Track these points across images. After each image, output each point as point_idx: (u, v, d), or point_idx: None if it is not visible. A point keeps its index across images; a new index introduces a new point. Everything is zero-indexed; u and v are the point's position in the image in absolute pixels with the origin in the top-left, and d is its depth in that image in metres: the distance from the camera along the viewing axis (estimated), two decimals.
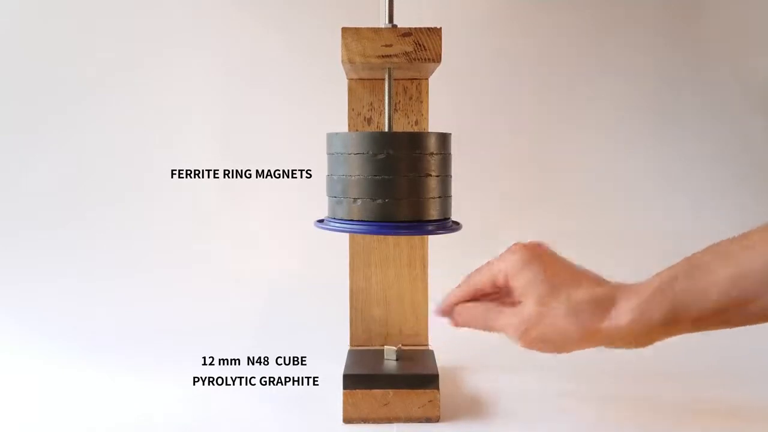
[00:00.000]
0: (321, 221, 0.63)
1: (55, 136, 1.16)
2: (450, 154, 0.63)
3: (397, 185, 0.59)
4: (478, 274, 0.59)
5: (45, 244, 1.14)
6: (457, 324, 0.61)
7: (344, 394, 0.66)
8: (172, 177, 1.15)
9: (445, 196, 0.62)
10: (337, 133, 0.61)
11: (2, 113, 1.16)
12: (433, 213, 0.60)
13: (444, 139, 0.62)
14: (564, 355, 0.89)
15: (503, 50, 1.12)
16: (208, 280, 1.10)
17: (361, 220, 0.59)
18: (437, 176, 0.60)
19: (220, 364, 0.85)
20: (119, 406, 0.72)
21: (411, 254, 0.78)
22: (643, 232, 1.14)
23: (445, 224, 0.62)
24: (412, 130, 0.75)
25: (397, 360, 0.71)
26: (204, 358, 0.87)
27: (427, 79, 0.75)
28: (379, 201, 0.59)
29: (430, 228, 0.60)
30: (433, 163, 0.60)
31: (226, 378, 0.79)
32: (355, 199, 0.59)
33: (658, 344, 0.96)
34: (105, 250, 1.14)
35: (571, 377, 0.80)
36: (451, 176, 0.64)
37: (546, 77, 1.16)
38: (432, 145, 0.60)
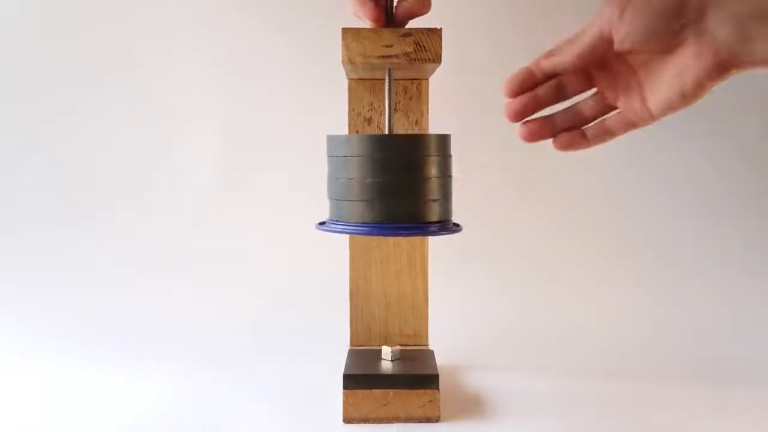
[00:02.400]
0: (322, 223, 0.63)
1: (55, 136, 1.16)
2: (450, 155, 0.63)
3: (398, 187, 0.59)
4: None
5: (45, 244, 1.14)
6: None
7: (344, 394, 0.66)
8: (172, 177, 1.15)
9: (445, 198, 0.62)
10: (337, 136, 0.61)
11: (2, 113, 1.16)
12: (434, 215, 0.60)
13: (444, 140, 0.62)
14: (564, 356, 0.89)
15: (503, 50, 1.11)
16: (207, 279, 1.10)
17: (362, 222, 0.59)
18: (438, 178, 0.61)
19: (219, 364, 0.85)
20: (119, 406, 0.72)
21: (411, 254, 0.78)
22: (643, 233, 1.14)
23: (446, 225, 0.62)
24: (412, 132, 0.75)
25: (395, 360, 0.71)
26: (203, 358, 0.87)
27: (427, 79, 0.75)
28: (380, 203, 0.59)
29: (431, 229, 0.61)
30: (433, 165, 0.60)
31: (226, 378, 0.79)
32: (355, 201, 0.59)
33: (659, 342, 0.97)
34: (105, 249, 1.13)
35: (572, 377, 0.80)
36: (451, 177, 0.64)
37: None
38: (432, 147, 0.60)
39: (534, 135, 0.55)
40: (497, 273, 1.11)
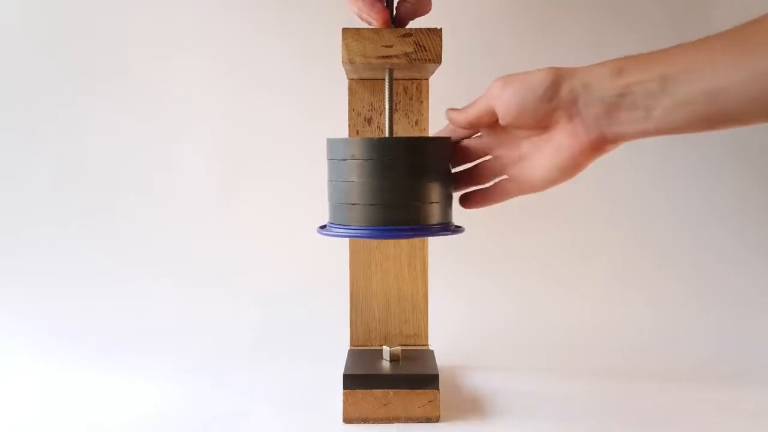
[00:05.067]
0: (323, 227, 0.63)
1: (56, 136, 1.16)
2: (450, 158, 0.63)
3: (398, 190, 0.59)
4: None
5: (45, 244, 1.14)
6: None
7: (344, 394, 0.66)
8: (172, 177, 1.15)
9: (446, 200, 0.62)
10: (337, 139, 0.61)
11: (2, 113, 1.17)
12: (435, 217, 0.60)
13: (445, 143, 0.62)
14: (563, 356, 0.89)
15: (503, 50, 1.12)
16: (208, 279, 1.10)
17: (363, 225, 0.59)
18: (438, 181, 0.61)
19: (220, 364, 0.85)
20: (119, 406, 0.72)
21: (411, 254, 0.78)
22: (642, 233, 1.14)
23: (447, 227, 0.62)
24: (412, 135, 0.75)
25: (394, 360, 0.71)
26: (204, 357, 0.87)
27: (427, 79, 0.75)
28: (381, 206, 0.59)
29: (433, 230, 0.61)
30: (433, 168, 0.60)
31: (226, 378, 0.79)
32: (356, 204, 0.59)
33: (658, 343, 0.97)
34: (105, 250, 1.14)
35: (571, 377, 0.80)
36: (451, 180, 0.64)
37: None
38: (432, 149, 0.60)
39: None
40: (497, 274, 1.11)
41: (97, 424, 0.67)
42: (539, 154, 0.56)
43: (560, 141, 0.53)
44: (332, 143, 0.62)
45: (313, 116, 1.12)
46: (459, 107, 0.61)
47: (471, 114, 0.58)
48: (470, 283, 1.09)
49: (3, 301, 1.07)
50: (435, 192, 0.60)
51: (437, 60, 0.64)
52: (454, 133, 0.62)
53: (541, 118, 0.54)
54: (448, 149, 0.62)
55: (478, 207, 0.62)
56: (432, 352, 0.76)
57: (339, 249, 0.80)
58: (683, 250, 1.13)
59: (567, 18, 1.12)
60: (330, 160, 0.62)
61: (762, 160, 1.15)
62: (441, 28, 0.64)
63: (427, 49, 0.64)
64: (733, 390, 0.76)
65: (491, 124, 0.58)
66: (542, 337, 0.97)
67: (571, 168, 0.54)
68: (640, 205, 1.15)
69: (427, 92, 0.76)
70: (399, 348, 0.72)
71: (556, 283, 1.10)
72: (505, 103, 0.55)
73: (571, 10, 1.12)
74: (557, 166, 0.54)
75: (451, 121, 0.61)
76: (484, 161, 0.62)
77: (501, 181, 0.60)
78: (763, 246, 1.12)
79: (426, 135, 0.76)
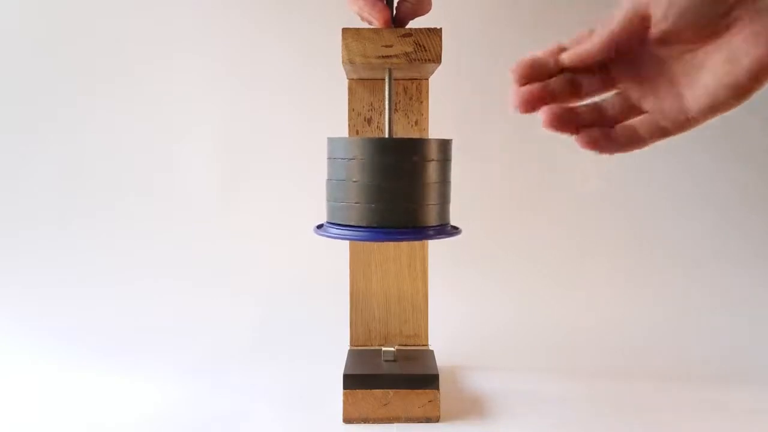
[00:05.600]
0: (320, 227, 0.63)
1: (56, 136, 1.16)
2: (450, 159, 0.63)
3: (397, 191, 0.59)
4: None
5: (45, 244, 1.14)
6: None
7: (344, 394, 0.66)
8: (173, 177, 1.15)
9: (444, 202, 0.62)
10: (337, 138, 0.61)
11: (2, 113, 1.17)
12: (433, 218, 0.60)
13: (444, 145, 0.62)
14: (563, 356, 0.89)
15: (503, 50, 1.12)
16: (208, 280, 1.10)
17: (360, 226, 0.59)
18: (437, 182, 0.60)
19: (220, 364, 0.85)
20: (119, 406, 0.72)
21: (411, 254, 0.78)
22: (642, 234, 1.14)
23: (445, 229, 0.62)
24: (412, 136, 0.75)
25: (394, 360, 0.71)
26: (204, 357, 0.87)
27: (427, 79, 0.75)
28: (379, 206, 0.59)
29: (429, 233, 0.61)
30: (433, 170, 0.60)
31: (226, 378, 0.79)
32: (354, 204, 0.59)
33: (658, 343, 0.96)
34: (105, 250, 1.14)
35: (571, 377, 0.80)
36: (450, 182, 0.64)
37: None
38: (432, 151, 0.60)
39: (558, 121, 0.44)
40: (497, 274, 1.11)
41: (97, 424, 0.67)
42: (699, 72, 0.41)
43: (737, 49, 0.39)
44: (332, 142, 0.62)
45: (313, 116, 1.12)
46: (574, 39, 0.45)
47: (616, 29, 0.42)
48: (470, 283, 1.09)
49: (3, 301, 1.07)
50: (434, 193, 0.60)
51: (437, 60, 0.64)
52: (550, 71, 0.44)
53: (715, 18, 0.39)
54: (449, 150, 0.62)
55: (604, 152, 0.45)
56: (432, 352, 0.76)
57: (339, 249, 0.80)
58: (683, 250, 1.13)
59: (567, 18, 1.12)
60: (330, 158, 0.62)
61: (764, 161, 1.15)
62: (441, 28, 0.64)
63: (427, 49, 0.64)
64: (732, 390, 0.76)
65: (638, 38, 0.42)
66: (542, 337, 0.97)
67: (746, 87, 0.39)
68: (640, 204, 1.15)
69: (427, 92, 0.76)
70: (398, 348, 0.72)
71: (556, 283, 1.10)
72: (666, 0, 0.39)
73: (571, 10, 1.12)
74: (729, 85, 0.39)
75: (580, 55, 0.44)
76: (611, 95, 0.45)
77: (629, 122, 0.44)
78: (764, 246, 1.12)
79: (426, 135, 0.76)
